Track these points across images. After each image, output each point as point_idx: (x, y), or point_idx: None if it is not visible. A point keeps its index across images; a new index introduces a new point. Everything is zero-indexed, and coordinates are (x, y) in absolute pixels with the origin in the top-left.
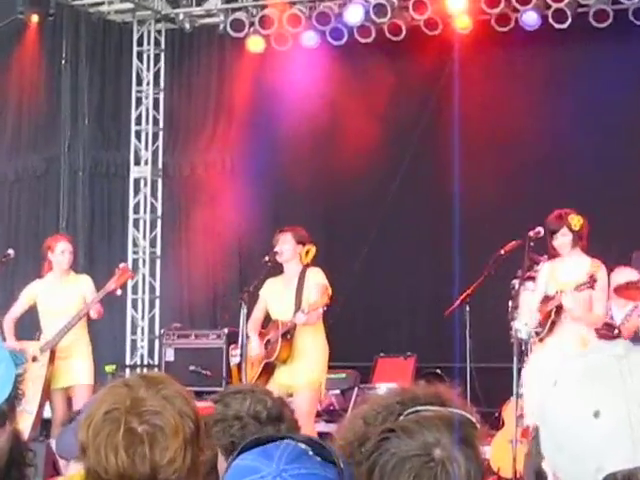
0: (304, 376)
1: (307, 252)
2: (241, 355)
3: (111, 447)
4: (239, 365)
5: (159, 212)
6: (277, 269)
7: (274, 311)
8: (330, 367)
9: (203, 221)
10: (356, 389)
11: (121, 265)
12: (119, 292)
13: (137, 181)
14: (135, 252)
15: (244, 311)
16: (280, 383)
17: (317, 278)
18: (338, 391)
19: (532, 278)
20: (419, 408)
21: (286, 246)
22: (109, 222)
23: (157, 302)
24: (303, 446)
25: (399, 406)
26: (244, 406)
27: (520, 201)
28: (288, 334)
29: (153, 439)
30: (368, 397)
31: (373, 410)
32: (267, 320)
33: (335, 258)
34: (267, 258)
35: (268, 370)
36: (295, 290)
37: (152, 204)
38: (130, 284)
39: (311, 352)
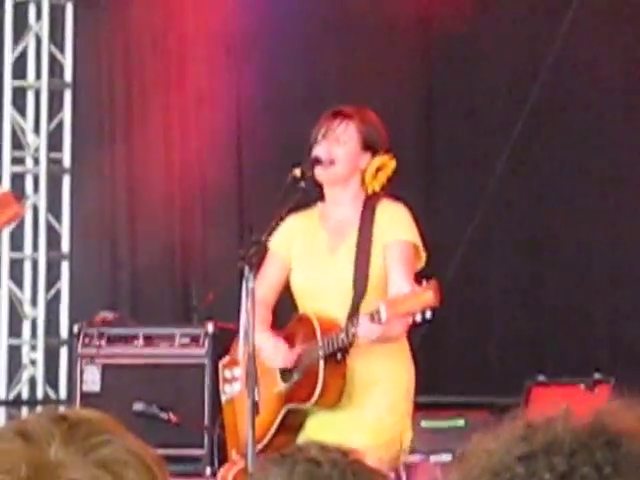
0: (370, 429)
1: (378, 170)
2: (249, 378)
3: None
4: (231, 401)
5: (68, 74)
6: (313, 197)
7: (302, 288)
8: (430, 406)
9: (163, 83)
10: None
11: None
12: None
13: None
14: (17, 160)
15: (249, 285)
16: (319, 441)
17: (399, 227)
18: (449, 457)
19: None
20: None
21: (341, 150)
22: None
23: (64, 267)
24: None
25: (545, 457)
26: None
27: None
28: (338, 353)
29: None
30: (490, 434)
31: (487, 470)
32: (285, 302)
33: (439, 203)
34: (298, 171)
35: (293, 419)
36: (355, 249)
37: (52, 56)
38: (6, 232)
39: (383, 387)
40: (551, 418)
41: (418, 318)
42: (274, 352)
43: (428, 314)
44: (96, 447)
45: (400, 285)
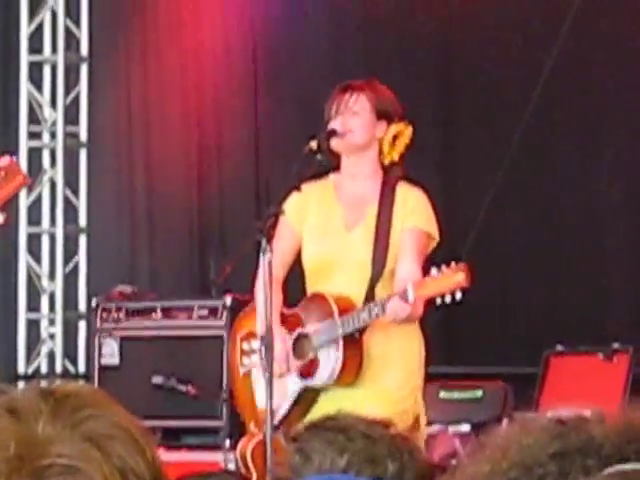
0: (382, 401)
1: (395, 138)
2: (266, 351)
3: None
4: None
5: (84, 48)
6: (329, 170)
7: (315, 262)
8: (449, 377)
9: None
10: (505, 421)
11: (2, 162)
12: (0, 218)
13: None
14: (34, 135)
15: (267, 256)
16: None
17: (419, 215)
18: (467, 427)
19: None
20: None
21: (356, 121)
22: None
23: (82, 241)
24: None
25: (580, 458)
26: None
27: None
28: (356, 332)
29: None
30: (518, 427)
31: (518, 464)
32: (295, 276)
33: (457, 176)
34: (315, 144)
35: (307, 393)
36: (374, 230)
37: (67, 30)
38: (24, 203)
39: (397, 362)
40: (584, 418)
41: (447, 299)
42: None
43: (458, 295)
44: (83, 421)
45: (408, 269)
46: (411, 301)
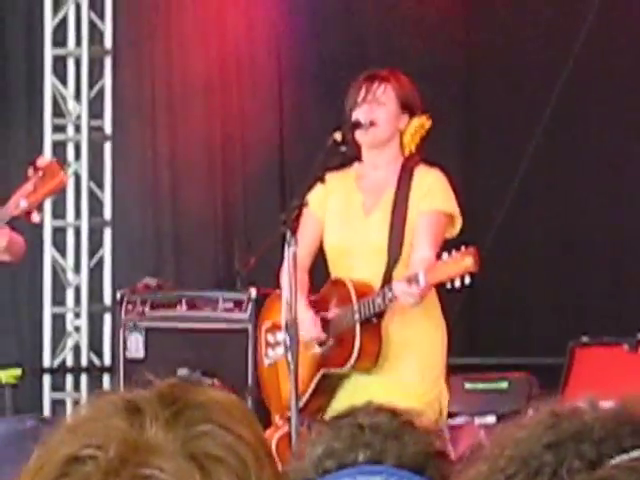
0: (409, 392)
1: (416, 131)
2: (291, 343)
3: None
4: (273, 365)
5: (108, 41)
6: (353, 161)
7: (335, 247)
8: (473, 369)
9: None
10: (530, 412)
11: (41, 161)
12: (37, 218)
13: None
14: (58, 128)
15: (292, 250)
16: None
17: (436, 196)
18: (493, 418)
19: None
20: None
21: (382, 112)
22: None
23: (107, 234)
24: None
25: (573, 444)
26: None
27: None
28: (373, 318)
29: None
30: (514, 423)
31: (514, 459)
32: (319, 265)
33: (479, 168)
34: (339, 135)
35: (327, 382)
36: (390, 214)
37: (91, 23)
38: (48, 200)
39: (419, 348)
40: (577, 407)
41: (457, 284)
42: (309, 326)
43: (467, 280)
44: (195, 437)
45: (423, 252)
46: (422, 285)
